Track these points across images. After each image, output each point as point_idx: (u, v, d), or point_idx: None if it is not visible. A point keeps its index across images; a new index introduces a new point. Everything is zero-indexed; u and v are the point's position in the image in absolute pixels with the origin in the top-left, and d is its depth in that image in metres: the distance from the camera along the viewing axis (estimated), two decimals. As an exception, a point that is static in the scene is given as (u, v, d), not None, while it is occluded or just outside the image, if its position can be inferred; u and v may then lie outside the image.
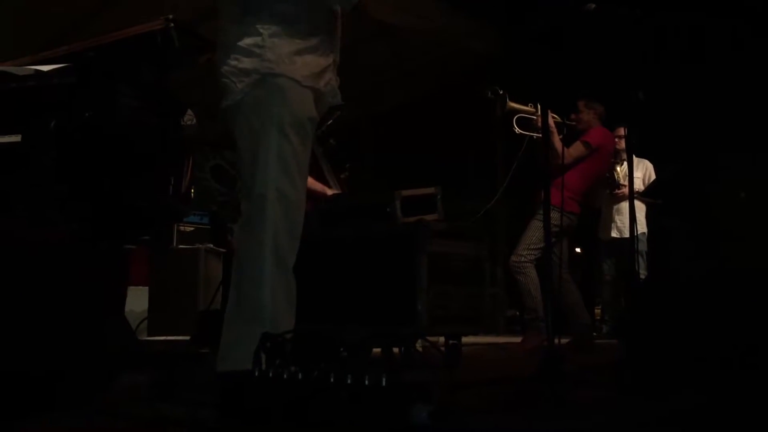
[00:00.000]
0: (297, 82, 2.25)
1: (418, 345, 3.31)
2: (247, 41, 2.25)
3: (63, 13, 6.01)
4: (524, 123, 4.43)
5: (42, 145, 2.37)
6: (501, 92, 4.34)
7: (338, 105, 2.54)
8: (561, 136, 4.49)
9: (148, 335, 5.00)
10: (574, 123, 4.74)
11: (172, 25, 2.74)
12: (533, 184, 3.95)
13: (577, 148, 4.64)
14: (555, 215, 4.33)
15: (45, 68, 2.52)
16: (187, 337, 4.26)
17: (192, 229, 5.79)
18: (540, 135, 4.36)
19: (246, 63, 2.25)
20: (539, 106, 4.42)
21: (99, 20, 5.92)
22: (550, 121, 4.35)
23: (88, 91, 2.48)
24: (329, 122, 3.73)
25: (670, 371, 2.59)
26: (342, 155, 4.49)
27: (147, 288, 5.33)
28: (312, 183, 3.58)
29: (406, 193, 3.56)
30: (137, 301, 5.11)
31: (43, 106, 2.42)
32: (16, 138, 2.39)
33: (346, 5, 2.43)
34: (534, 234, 4.53)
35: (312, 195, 3.53)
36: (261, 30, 2.24)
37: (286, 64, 2.24)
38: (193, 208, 5.65)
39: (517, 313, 7.97)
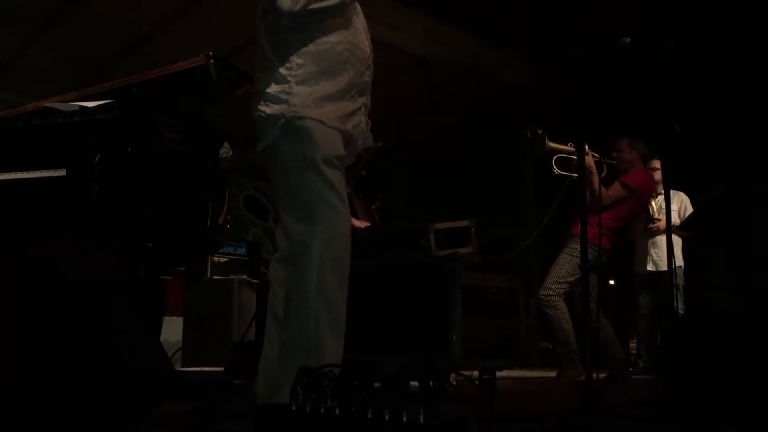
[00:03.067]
0: (323, 123, 2.29)
1: (452, 378, 3.29)
2: (275, 88, 2.31)
3: (107, 48, 6.19)
4: (563, 163, 4.39)
5: (86, 178, 2.43)
6: (540, 132, 4.30)
7: (371, 145, 2.57)
8: (603, 175, 4.42)
9: (182, 365, 5.02)
10: (615, 162, 4.65)
11: (212, 61, 2.80)
12: (567, 216, 3.92)
13: (615, 190, 4.56)
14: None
15: (90, 104, 2.60)
16: (221, 368, 4.28)
17: (226, 259, 5.84)
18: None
19: (274, 109, 2.31)
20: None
21: (141, 54, 6.08)
22: (590, 160, 4.30)
23: (130, 125, 2.54)
24: (365, 158, 3.75)
25: (710, 406, 2.54)
26: (374, 186, 4.52)
27: (181, 318, 5.37)
28: None
29: (440, 225, 3.56)
30: (172, 331, 5.14)
31: (88, 141, 2.49)
32: (61, 172, 2.45)
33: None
34: (563, 267, 4.48)
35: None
36: (288, 77, 2.30)
37: (311, 108, 2.28)
38: (228, 239, 5.73)
39: (550, 345, 7.87)
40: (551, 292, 4.43)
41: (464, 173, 8.21)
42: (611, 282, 6.58)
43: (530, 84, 7.68)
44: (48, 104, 2.67)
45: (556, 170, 4.37)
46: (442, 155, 8.45)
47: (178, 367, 4.88)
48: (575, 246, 3.96)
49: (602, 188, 4.31)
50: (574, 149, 4.37)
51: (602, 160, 4.40)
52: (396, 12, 6.47)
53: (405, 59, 7.21)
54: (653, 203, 5.79)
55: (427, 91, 8.08)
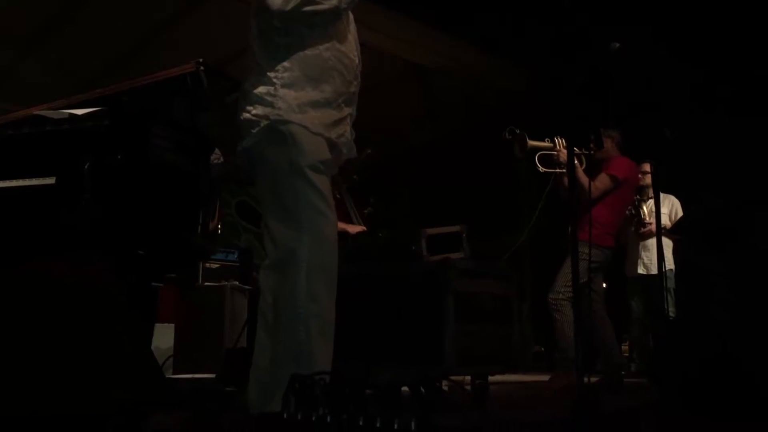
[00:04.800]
0: (307, 129, 2.29)
1: (444, 385, 3.28)
2: (260, 90, 2.32)
3: (98, 56, 6.17)
4: (546, 160, 4.41)
5: (76, 186, 2.42)
6: (518, 132, 4.30)
7: (363, 149, 2.57)
8: (583, 167, 4.44)
9: (174, 373, 5.00)
10: (592, 152, 4.64)
11: (202, 68, 2.80)
12: (565, 220, 3.92)
13: (603, 181, 4.58)
14: (594, 252, 4.33)
15: (79, 112, 2.58)
16: (213, 375, 4.26)
17: (218, 266, 5.82)
18: (563, 170, 4.36)
19: (259, 110, 2.31)
20: (558, 141, 4.40)
21: (134, 63, 6.07)
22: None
23: (121, 133, 2.53)
24: (359, 162, 3.75)
25: (704, 411, 2.55)
26: (368, 191, 4.51)
27: (173, 325, 5.35)
28: None
29: (431, 231, 3.56)
30: (163, 338, 5.12)
31: (78, 149, 2.47)
32: (50, 180, 2.44)
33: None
34: (578, 271, 4.48)
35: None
36: (275, 80, 2.30)
37: (296, 112, 2.28)
38: (220, 245, 5.71)
39: (542, 349, 7.88)
40: (560, 296, 4.41)
41: (461, 180, 8.22)
42: (604, 285, 6.59)
43: (527, 91, 7.70)
44: (37, 112, 2.65)
45: (541, 168, 4.39)
46: (439, 162, 8.47)
47: (170, 375, 4.86)
48: (583, 249, 3.96)
49: (588, 179, 4.32)
50: (553, 144, 4.39)
51: (580, 152, 4.40)
52: (394, 20, 6.49)
53: (403, 67, 7.25)
54: (644, 207, 5.81)
55: (424, 98, 8.10)
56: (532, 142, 4.34)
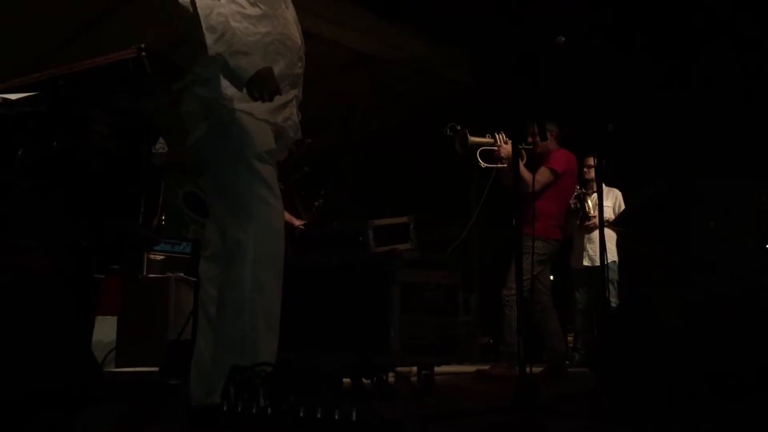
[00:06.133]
0: (252, 116, 2.26)
1: (390, 376, 3.29)
2: (204, 76, 2.28)
3: (35, 41, 5.97)
4: (487, 155, 4.44)
5: (9, 173, 2.34)
6: (459, 128, 4.31)
7: (302, 138, 2.55)
8: (524, 162, 4.49)
9: (116, 366, 4.89)
10: (531, 146, 4.68)
11: (144, 53, 2.73)
12: (510, 212, 3.97)
13: (543, 175, 4.64)
14: (540, 244, 4.39)
15: (14, 96, 2.49)
16: (157, 368, 4.19)
17: (162, 257, 5.71)
18: (504, 165, 4.41)
19: (203, 100, 2.27)
20: (498, 136, 4.44)
21: (72, 48, 5.89)
22: (509, 148, 4.39)
23: (58, 119, 2.46)
24: (299, 153, 3.71)
25: (642, 400, 2.60)
26: (316, 182, 4.48)
27: (115, 318, 5.23)
28: None
29: (378, 222, 3.56)
30: (105, 331, 5.01)
31: (12, 135, 2.39)
32: (-19, 166, 2.35)
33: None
34: (521, 265, 4.53)
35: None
36: (216, 69, 2.26)
37: (240, 100, 2.24)
38: (166, 236, 5.60)
39: (491, 340, 7.97)
40: (513, 292, 4.43)
41: (410, 171, 8.24)
42: (551, 277, 6.72)
43: (474, 82, 7.76)
44: (-31, 97, 2.55)
45: (482, 163, 4.42)
46: (389, 153, 8.47)
47: (112, 369, 4.76)
48: (529, 243, 4.01)
49: (529, 174, 4.36)
50: (493, 140, 4.43)
51: (520, 146, 4.44)
52: (342, 9, 6.45)
53: (351, 57, 7.20)
54: (589, 200, 5.92)
55: (373, 89, 8.08)
56: (473, 138, 4.35)
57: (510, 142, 4.41)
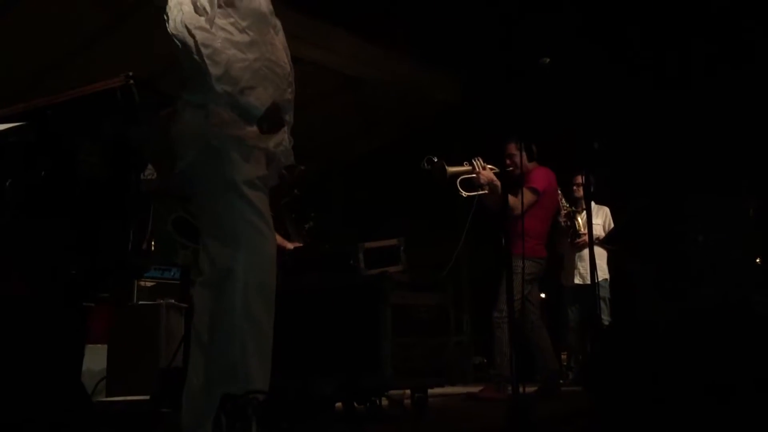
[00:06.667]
0: (243, 141, 2.26)
1: (383, 399, 3.28)
2: (194, 103, 2.28)
3: (23, 69, 5.96)
4: (467, 184, 4.43)
5: (-3, 203, 2.33)
6: (436, 160, 4.28)
7: (293, 164, 2.56)
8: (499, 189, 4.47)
9: (107, 395, 4.84)
10: (511, 168, 4.68)
11: (132, 81, 2.73)
12: (498, 235, 3.96)
13: (526, 196, 4.60)
14: (527, 263, 4.38)
15: (1, 127, 2.49)
16: (147, 397, 4.14)
17: (153, 283, 5.67)
18: (485, 191, 4.40)
19: (194, 128, 2.27)
20: (475, 163, 4.44)
21: (60, 76, 5.88)
22: (489, 174, 4.39)
23: (46, 149, 2.46)
24: (291, 180, 3.72)
25: (636, 418, 2.60)
26: (306, 205, 4.48)
27: (105, 346, 5.18)
28: None
29: (369, 244, 3.56)
30: (95, 359, 4.95)
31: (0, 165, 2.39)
32: (-30, 197, 2.34)
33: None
34: (512, 287, 4.53)
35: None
36: (207, 97, 2.26)
37: (230, 127, 2.25)
38: (155, 263, 5.57)
39: (485, 360, 7.95)
40: (504, 314, 4.42)
41: (399, 193, 8.25)
42: (542, 295, 6.73)
43: (461, 103, 7.80)
44: (-44, 127, 2.55)
45: (464, 193, 4.39)
46: (378, 175, 8.48)
47: (102, 398, 4.71)
48: (517, 263, 4.01)
49: (512, 197, 4.35)
50: (471, 167, 4.43)
51: (500, 171, 4.45)
52: (327, 33, 6.49)
53: (338, 80, 7.24)
54: (579, 218, 5.94)
55: (360, 111, 8.11)
56: (450, 169, 4.33)
57: (488, 167, 4.43)
